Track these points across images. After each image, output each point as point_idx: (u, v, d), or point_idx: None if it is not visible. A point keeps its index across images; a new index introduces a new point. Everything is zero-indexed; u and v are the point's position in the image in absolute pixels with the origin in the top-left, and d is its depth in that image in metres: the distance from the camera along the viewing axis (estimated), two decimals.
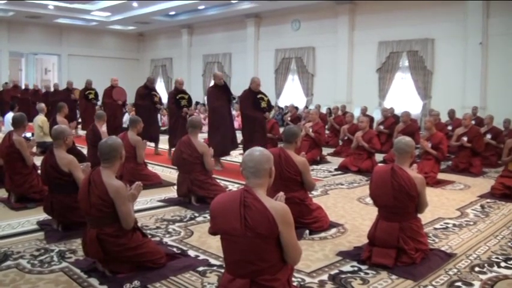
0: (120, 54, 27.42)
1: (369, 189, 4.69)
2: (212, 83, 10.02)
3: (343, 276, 4.14)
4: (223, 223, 2.99)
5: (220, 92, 9.42)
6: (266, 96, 9.28)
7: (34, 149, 9.28)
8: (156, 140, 11.42)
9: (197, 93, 19.50)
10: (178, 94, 10.67)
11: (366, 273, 4.20)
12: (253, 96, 9.14)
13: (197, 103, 19.93)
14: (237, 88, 21.37)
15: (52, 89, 17.10)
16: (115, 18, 22.81)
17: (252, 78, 9.37)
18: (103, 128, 9.00)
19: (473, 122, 10.46)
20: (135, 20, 22.93)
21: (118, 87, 13.07)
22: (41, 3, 20.15)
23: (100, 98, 14.49)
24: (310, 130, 10.46)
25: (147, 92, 11.28)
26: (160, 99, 11.51)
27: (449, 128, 11.90)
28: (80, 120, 15.45)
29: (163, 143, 11.63)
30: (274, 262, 2.94)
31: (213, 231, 3.13)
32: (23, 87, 20.50)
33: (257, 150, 3.08)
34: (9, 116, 11.55)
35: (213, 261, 4.42)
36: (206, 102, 10.50)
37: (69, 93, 15.27)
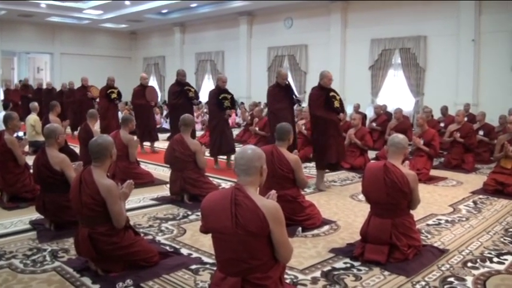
0: (112, 52, 27.31)
1: (362, 186, 4.70)
2: (275, 82, 8.78)
3: (335, 272, 4.15)
4: (214, 221, 2.98)
5: (282, 93, 8.34)
6: (338, 94, 7.89)
7: (26, 148, 9.24)
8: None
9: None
10: (220, 94, 9.36)
11: (359, 270, 4.21)
12: (324, 94, 7.67)
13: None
14: (230, 86, 21.36)
15: (66, 88, 15.42)
16: (107, 17, 22.70)
17: (322, 73, 7.80)
18: (96, 127, 8.90)
19: (465, 119, 10.49)
20: (128, 18, 22.84)
21: (150, 87, 12.03)
22: (33, 2, 20.00)
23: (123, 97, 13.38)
24: (303, 128, 10.46)
25: (180, 88, 10.13)
26: (196, 93, 10.34)
27: (442, 124, 11.93)
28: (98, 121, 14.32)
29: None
30: (266, 260, 2.94)
31: (204, 230, 3.12)
32: (35, 86, 18.72)
33: (249, 149, 3.08)
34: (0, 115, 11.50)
35: (205, 259, 4.42)
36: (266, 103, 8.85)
37: (85, 92, 13.97)
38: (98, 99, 13.59)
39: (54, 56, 25.35)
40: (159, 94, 14.38)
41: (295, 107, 9.05)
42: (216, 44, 23.17)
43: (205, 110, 16.81)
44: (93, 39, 26.62)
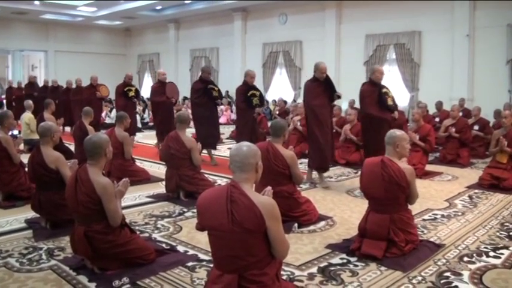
0: (107, 49, 27.22)
1: (360, 182, 4.71)
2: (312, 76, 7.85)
3: (332, 268, 4.16)
4: (210, 219, 2.98)
5: (320, 88, 7.57)
6: (390, 90, 7.38)
7: (21, 147, 9.21)
8: (213, 146, 9.56)
9: (184, 88, 19.32)
10: (249, 90, 8.84)
11: (355, 265, 4.21)
12: (377, 91, 7.13)
13: (185, 98, 19.82)
14: (225, 82, 21.42)
15: (73, 85, 14.67)
16: (101, 14, 22.63)
17: (374, 67, 7.30)
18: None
19: (460, 114, 10.51)
20: (122, 15, 22.76)
21: (170, 83, 11.25)
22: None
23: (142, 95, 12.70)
24: (299, 124, 10.46)
25: (203, 86, 9.38)
26: (219, 92, 9.58)
27: (437, 119, 11.95)
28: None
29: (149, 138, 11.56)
30: (262, 257, 2.94)
31: (200, 227, 3.12)
32: (41, 83, 17.91)
33: (244, 145, 3.07)
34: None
35: (202, 256, 4.42)
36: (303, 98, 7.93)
37: (93, 91, 13.09)
38: (108, 99, 13.13)
39: (49, 53, 25.25)
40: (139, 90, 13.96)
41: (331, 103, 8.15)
42: (211, 40, 23.12)
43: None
44: (87, 37, 26.52)
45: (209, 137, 9.17)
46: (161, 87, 10.94)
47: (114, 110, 16.67)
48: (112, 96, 14.14)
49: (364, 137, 7.47)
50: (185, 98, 19.84)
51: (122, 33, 28.07)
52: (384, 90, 7.08)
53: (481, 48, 14.40)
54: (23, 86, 18.16)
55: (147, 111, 18.59)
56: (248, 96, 8.76)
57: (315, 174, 7.77)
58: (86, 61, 24.90)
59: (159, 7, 22.18)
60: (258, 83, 19.78)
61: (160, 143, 10.08)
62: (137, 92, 12.06)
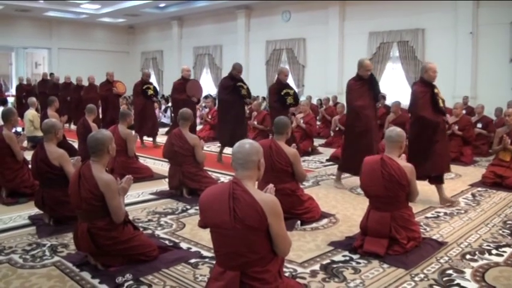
0: (110, 47, 27.24)
1: (360, 180, 4.72)
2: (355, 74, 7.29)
3: (334, 266, 4.16)
4: (212, 216, 2.98)
5: (365, 87, 7.05)
6: (439, 92, 6.54)
7: (25, 144, 9.25)
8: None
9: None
10: (282, 89, 8.33)
11: (358, 263, 4.22)
12: (430, 91, 6.36)
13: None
14: None
15: (86, 83, 14.18)
16: (105, 11, 22.64)
17: (426, 65, 6.51)
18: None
19: (464, 112, 10.50)
20: (125, 12, 22.77)
21: (193, 80, 10.85)
22: None
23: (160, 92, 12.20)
24: (302, 121, 10.46)
25: (232, 83, 8.90)
26: (248, 90, 9.11)
27: None
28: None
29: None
30: (264, 254, 2.94)
31: (202, 224, 3.12)
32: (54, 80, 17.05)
33: (247, 143, 3.08)
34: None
35: (205, 253, 4.43)
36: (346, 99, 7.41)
37: (110, 87, 12.54)
38: (125, 96, 12.43)
39: (52, 51, 25.29)
40: (158, 88, 13.65)
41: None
42: (214, 37, 23.11)
43: (203, 105, 16.73)
44: (90, 34, 26.54)
45: (234, 137, 8.72)
46: (183, 84, 10.44)
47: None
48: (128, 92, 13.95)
49: (413, 143, 6.46)
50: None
51: (125, 30, 28.08)
52: (436, 90, 6.37)
53: (485, 45, 14.37)
54: (32, 83, 18.08)
55: None
56: (282, 95, 8.29)
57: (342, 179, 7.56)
58: (89, 59, 24.94)
59: (162, 4, 22.21)
60: (261, 81, 19.91)
61: None
62: (156, 90, 11.75)
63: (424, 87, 6.34)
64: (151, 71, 26.47)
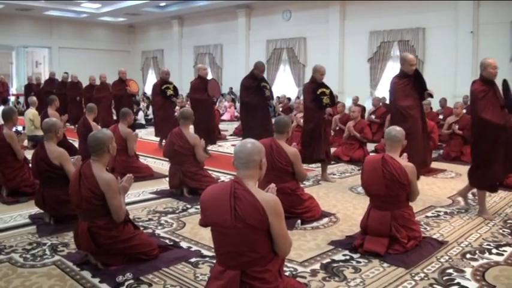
0: (110, 46, 27.27)
1: (361, 179, 4.71)
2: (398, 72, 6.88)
3: (335, 265, 4.16)
4: (213, 215, 2.98)
5: (410, 85, 6.55)
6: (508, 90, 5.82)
7: (25, 143, 9.25)
8: None
9: (188, 85, 19.22)
10: (318, 88, 7.65)
11: (358, 262, 4.22)
12: (492, 91, 5.75)
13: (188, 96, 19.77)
14: (229, 79, 21.44)
15: (98, 82, 13.77)
16: (105, 10, 22.66)
17: (485, 61, 5.86)
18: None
19: (464, 111, 10.48)
20: (126, 11, 22.80)
21: (213, 80, 10.43)
22: None
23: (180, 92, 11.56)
24: (301, 121, 10.44)
25: (255, 84, 8.56)
26: (271, 90, 8.71)
27: (441, 116, 11.94)
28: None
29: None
30: (265, 253, 2.94)
31: (203, 223, 3.12)
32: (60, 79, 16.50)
33: (249, 142, 3.07)
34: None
35: (205, 252, 4.43)
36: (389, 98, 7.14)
37: (123, 86, 12.12)
38: (142, 96, 12.06)
39: (53, 50, 25.32)
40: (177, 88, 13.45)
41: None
42: (215, 37, 23.14)
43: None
44: (91, 33, 26.57)
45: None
46: (201, 83, 9.90)
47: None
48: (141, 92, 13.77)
49: (476, 147, 5.79)
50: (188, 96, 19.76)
51: (125, 29, 28.11)
52: (496, 88, 5.77)
53: (485, 44, 14.38)
54: (42, 82, 17.68)
55: (151, 108, 18.54)
56: (317, 94, 7.62)
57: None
58: (89, 58, 24.99)
59: (162, 4, 22.23)
60: None
61: (206, 144, 9.23)
62: (176, 89, 11.23)
63: (484, 86, 5.71)
64: (151, 70, 26.55)
